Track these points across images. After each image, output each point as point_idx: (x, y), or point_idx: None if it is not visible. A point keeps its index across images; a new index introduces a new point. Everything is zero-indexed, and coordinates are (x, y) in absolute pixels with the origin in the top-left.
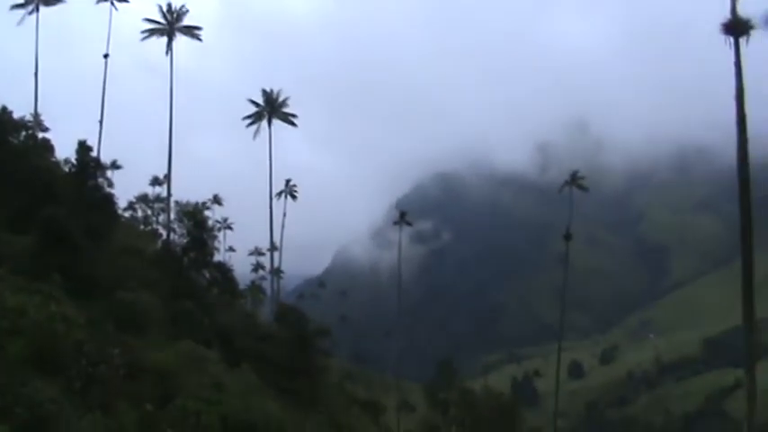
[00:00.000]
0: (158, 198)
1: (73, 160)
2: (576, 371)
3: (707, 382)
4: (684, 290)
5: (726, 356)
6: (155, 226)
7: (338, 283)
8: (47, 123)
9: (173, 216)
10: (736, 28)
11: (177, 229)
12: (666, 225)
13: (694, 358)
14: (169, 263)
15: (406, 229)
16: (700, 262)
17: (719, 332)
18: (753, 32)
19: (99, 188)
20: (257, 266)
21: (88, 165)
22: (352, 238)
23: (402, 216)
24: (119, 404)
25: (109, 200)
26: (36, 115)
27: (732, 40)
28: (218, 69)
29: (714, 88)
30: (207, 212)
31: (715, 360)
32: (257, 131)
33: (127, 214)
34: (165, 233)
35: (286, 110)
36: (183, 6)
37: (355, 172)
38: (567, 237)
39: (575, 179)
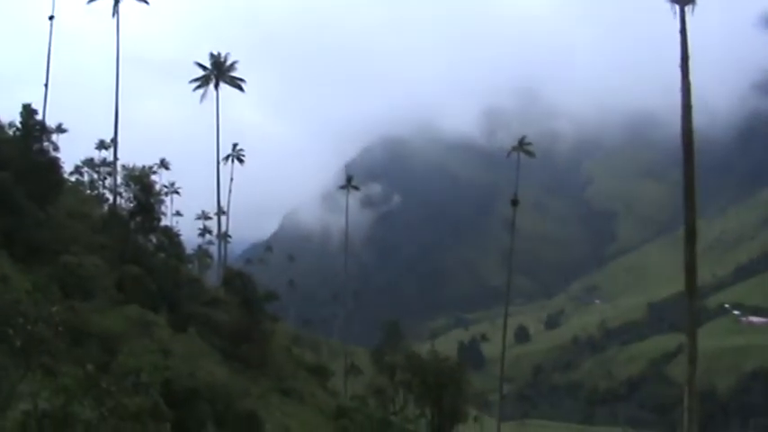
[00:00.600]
0: (105, 162)
1: (17, 124)
2: (523, 335)
3: (651, 346)
4: (630, 256)
5: (669, 321)
6: (101, 190)
7: (287, 247)
8: None
9: (119, 180)
10: None
11: (124, 194)
12: (613, 191)
13: (639, 323)
14: (116, 227)
15: (357, 193)
16: (645, 228)
17: (663, 298)
18: (698, 1)
19: (44, 152)
20: (204, 231)
21: (33, 128)
22: (301, 203)
23: (349, 180)
24: (62, 365)
25: (54, 164)
26: None
27: (678, 8)
28: (167, 32)
29: (662, 56)
30: (154, 177)
31: (659, 325)
32: (204, 95)
33: (73, 178)
34: (111, 197)
35: (234, 74)
36: None
37: (306, 136)
38: (514, 202)
39: (522, 145)
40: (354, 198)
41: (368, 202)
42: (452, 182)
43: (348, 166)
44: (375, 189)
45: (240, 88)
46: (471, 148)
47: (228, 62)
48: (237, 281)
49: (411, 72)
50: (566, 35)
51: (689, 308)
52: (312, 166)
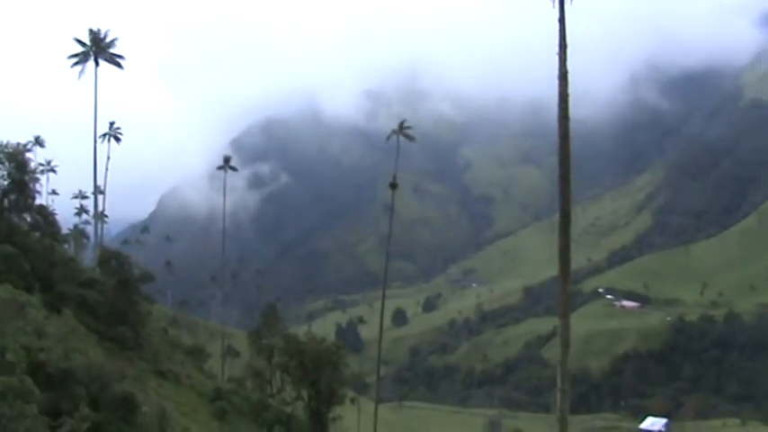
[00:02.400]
0: None
1: None
2: (400, 318)
3: (526, 329)
4: (507, 240)
5: (544, 305)
6: None
7: (167, 227)
8: None
9: None
10: None
11: None
12: (492, 177)
13: (515, 307)
14: None
15: (244, 174)
16: (523, 214)
17: (539, 282)
18: None
19: None
20: (81, 210)
21: None
22: (184, 182)
23: (226, 161)
24: None
25: None
26: None
27: None
28: (54, 8)
29: (548, 44)
30: (29, 154)
31: (534, 309)
32: (82, 72)
33: None
34: None
35: (113, 51)
36: None
37: (192, 115)
38: (393, 186)
39: (402, 128)
40: (242, 178)
41: (256, 183)
42: (333, 164)
43: (235, 147)
44: (263, 169)
45: (119, 65)
46: (353, 130)
47: (108, 39)
48: (113, 261)
49: (296, 53)
50: (449, 18)
51: (562, 292)
52: (198, 146)
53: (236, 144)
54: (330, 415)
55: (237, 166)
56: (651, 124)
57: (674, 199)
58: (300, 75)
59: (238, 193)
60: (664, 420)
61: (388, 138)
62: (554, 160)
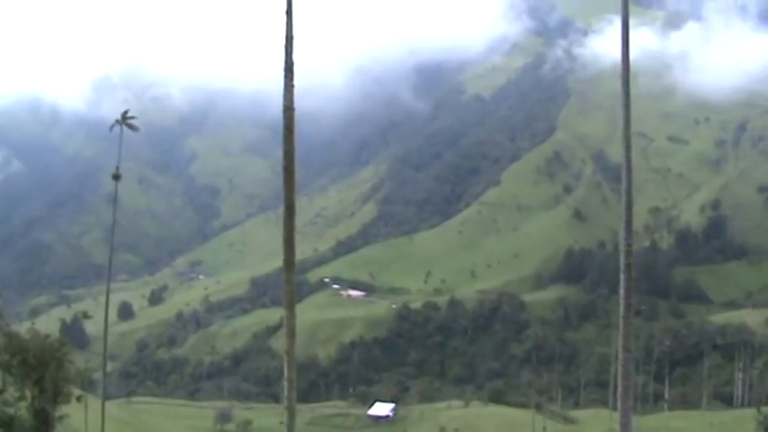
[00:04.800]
0: None
1: None
2: (126, 312)
3: (254, 320)
4: (233, 232)
5: (271, 296)
6: None
7: None
8: None
9: None
10: None
11: None
12: (217, 167)
13: (242, 298)
14: None
15: None
16: (248, 205)
17: (266, 273)
18: None
19: None
20: None
21: None
22: None
23: None
24: None
25: None
26: None
27: None
28: None
29: (272, 34)
30: None
31: (261, 299)
32: None
33: None
34: None
35: None
36: None
37: None
38: (116, 177)
39: (125, 118)
40: None
41: None
42: (57, 153)
43: None
44: None
45: None
46: (76, 118)
47: None
48: None
49: (17, 38)
50: (180, 5)
51: (287, 282)
52: None
53: None
54: (56, 414)
55: None
56: (378, 117)
57: (397, 190)
58: (22, 61)
59: None
60: (391, 405)
61: (111, 128)
62: (279, 151)
